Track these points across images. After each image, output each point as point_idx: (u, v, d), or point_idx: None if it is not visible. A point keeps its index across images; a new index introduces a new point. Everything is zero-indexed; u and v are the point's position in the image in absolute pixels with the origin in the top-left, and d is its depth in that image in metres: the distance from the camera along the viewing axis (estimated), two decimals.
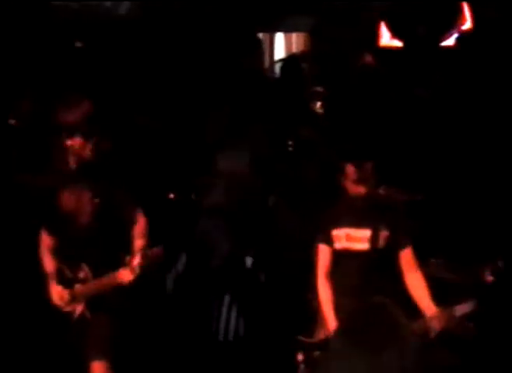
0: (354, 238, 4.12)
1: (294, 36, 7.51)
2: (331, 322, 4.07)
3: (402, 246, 4.10)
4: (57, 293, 4.23)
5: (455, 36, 6.26)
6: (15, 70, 5.53)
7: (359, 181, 4.10)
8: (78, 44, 6.05)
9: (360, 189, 4.11)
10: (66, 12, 6.19)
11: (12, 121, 4.89)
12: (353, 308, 2.27)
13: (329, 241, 4.15)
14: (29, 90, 5.13)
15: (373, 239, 4.08)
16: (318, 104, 5.84)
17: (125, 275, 4.09)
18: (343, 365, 2.13)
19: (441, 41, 6.31)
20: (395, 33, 6.50)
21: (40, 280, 4.30)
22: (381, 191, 4.45)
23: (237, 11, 6.31)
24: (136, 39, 6.00)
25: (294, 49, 7.48)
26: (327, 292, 4.14)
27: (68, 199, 4.19)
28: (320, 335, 4.12)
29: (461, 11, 6.42)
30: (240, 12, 6.31)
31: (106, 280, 4.15)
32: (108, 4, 6.47)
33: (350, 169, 4.13)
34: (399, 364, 2.11)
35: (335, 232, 4.14)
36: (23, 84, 5.32)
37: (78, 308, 4.21)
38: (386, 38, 6.56)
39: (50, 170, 4.46)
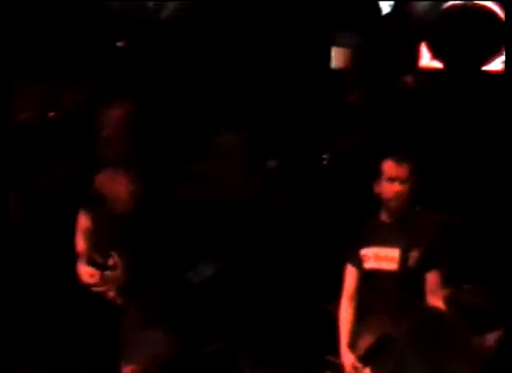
0: (382, 258, 4.05)
1: (334, 50, 7.48)
2: (344, 344, 4.01)
3: (429, 268, 4.01)
4: (87, 272, 4.19)
5: (501, 60, 6.21)
6: (60, 63, 5.56)
7: (395, 178, 3.98)
8: (120, 44, 6.06)
9: (395, 188, 3.99)
10: (111, 9, 6.19)
11: (52, 113, 4.93)
12: (417, 321, 2.22)
13: (357, 260, 4.09)
14: (72, 83, 5.15)
15: (402, 259, 4.00)
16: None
17: None
18: None
19: (484, 65, 6.26)
20: (436, 54, 6.46)
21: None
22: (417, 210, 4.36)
23: (283, 21, 6.29)
24: (179, 41, 6.00)
25: (333, 65, 7.45)
26: (348, 317, 4.08)
27: (105, 185, 4.18)
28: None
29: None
30: (286, 24, 6.29)
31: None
32: (151, 5, 6.47)
33: (388, 164, 4.01)
34: None
35: (364, 251, 4.08)
36: (67, 77, 5.34)
37: (110, 294, 4.17)
38: (426, 59, 6.52)
39: (89, 158, 4.45)
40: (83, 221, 4.27)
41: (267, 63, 6.01)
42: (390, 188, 4.00)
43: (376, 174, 4.07)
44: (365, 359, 3.93)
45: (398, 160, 4.00)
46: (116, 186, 4.17)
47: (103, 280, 4.16)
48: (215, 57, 6.01)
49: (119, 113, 4.26)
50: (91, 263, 4.21)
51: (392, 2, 6.65)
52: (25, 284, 4.44)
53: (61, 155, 4.85)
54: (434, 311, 2.25)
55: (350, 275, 4.10)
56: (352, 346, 4.02)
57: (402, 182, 4.00)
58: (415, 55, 6.43)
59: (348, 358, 3.97)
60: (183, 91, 5.76)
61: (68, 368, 4.27)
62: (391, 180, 3.99)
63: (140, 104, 4.44)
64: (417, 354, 2.11)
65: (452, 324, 2.16)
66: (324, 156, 5.37)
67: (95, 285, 4.17)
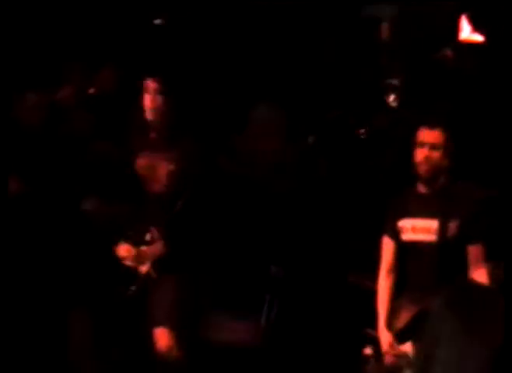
0: (420, 229, 4.00)
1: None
2: (381, 322, 3.97)
3: (472, 240, 3.95)
4: (124, 248, 4.24)
5: None
6: (96, 41, 5.60)
7: (425, 144, 3.94)
8: (158, 21, 6.08)
9: (424, 153, 3.94)
10: None
11: (92, 90, 4.96)
12: (452, 292, 2.21)
13: (395, 232, 4.05)
14: (110, 61, 5.18)
15: (441, 230, 3.92)
16: (392, 97, 5.76)
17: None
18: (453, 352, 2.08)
19: None
20: (477, 27, 6.36)
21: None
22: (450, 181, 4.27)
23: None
24: (219, 19, 6.00)
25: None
26: (386, 291, 4.03)
27: (143, 165, 4.22)
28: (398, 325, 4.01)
29: None
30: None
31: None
32: None
33: (420, 132, 3.99)
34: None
35: (401, 223, 4.03)
36: (104, 56, 5.38)
37: (144, 268, 4.23)
38: (467, 32, 6.43)
39: (128, 138, 4.48)
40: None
41: (303, 40, 6.00)
42: (419, 153, 3.97)
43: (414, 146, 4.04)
44: (402, 336, 3.91)
45: (430, 126, 3.97)
46: (155, 169, 4.21)
47: (139, 256, 4.23)
48: (253, 34, 6.00)
49: (157, 98, 4.26)
50: (128, 238, 4.26)
51: None
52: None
53: (100, 133, 4.91)
54: (470, 283, 2.21)
55: (387, 247, 4.07)
56: (392, 320, 3.99)
57: (432, 147, 3.96)
58: (456, 28, 6.34)
59: (385, 336, 3.94)
60: (220, 67, 5.77)
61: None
62: (421, 145, 3.96)
63: (177, 84, 4.46)
64: (450, 326, 2.09)
65: (489, 296, 2.13)
66: (362, 130, 5.34)
67: (129, 260, 4.22)
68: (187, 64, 5.55)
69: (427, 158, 3.99)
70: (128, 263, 4.22)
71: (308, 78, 5.82)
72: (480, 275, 3.78)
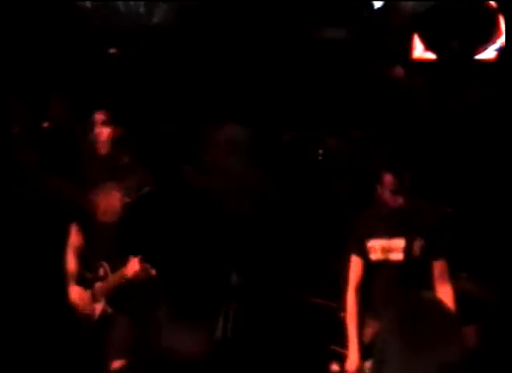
0: (389, 249, 4.06)
1: None
2: (352, 338, 4.01)
3: (436, 257, 4.03)
4: (77, 293, 4.26)
5: (494, 49, 6.19)
6: (47, 74, 5.58)
7: (397, 191, 4.03)
8: (112, 50, 6.08)
9: (399, 200, 4.04)
10: (98, 17, 6.22)
11: (46, 124, 4.94)
12: (400, 309, 2.21)
13: (363, 252, 4.10)
14: (61, 94, 5.17)
15: (408, 249, 4.01)
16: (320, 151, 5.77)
17: (132, 266, 4.11)
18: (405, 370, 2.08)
19: (475, 54, 6.24)
20: (429, 46, 6.45)
21: (61, 281, 4.32)
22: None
23: (270, 22, 6.30)
24: (170, 46, 6.02)
25: None
26: (354, 307, 4.08)
27: (98, 197, 4.23)
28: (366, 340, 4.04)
29: (496, 24, 6.36)
30: (273, 23, 6.31)
31: (119, 274, 4.18)
32: (142, 10, 6.49)
33: (389, 179, 4.06)
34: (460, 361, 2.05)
35: (370, 243, 4.09)
36: (56, 88, 5.37)
37: (98, 307, 4.23)
38: (419, 50, 6.52)
39: (80, 172, 4.49)
40: (74, 239, 4.32)
41: (257, 61, 6.04)
42: (393, 200, 4.06)
43: (375, 178, 4.11)
44: (367, 352, 3.94)
45: (396, 174, 4.04)
46: (108, 198, 4.22)
47: (93, 298, 4.25)
48: (212, 57, 6.03)
49: (106, 130, 4.30)
50: (82, 281, 4.28)
51: None
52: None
53: (53, 167, 4.88)
54: (422, 299, 2.22)
55: (355, 265, 4.12)
56: (360, 337, 4.04)
57: (400, 193, 4.05)
58: (408, 47, 6.42)
59: (353, 353, 3.98)
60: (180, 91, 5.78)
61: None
62: (394, 192, 4.04)
63: (127, 114, 4.48)
64: (397, 342, 2.10)
65: (442, 310, 2.14)
66: (320, 151, 5.38)
67: (84, 306, 4.24)
68: (138, 93, 5.58)
69: (397, 203, 4.08)
70: (81, 305, 4.23)
71: (266, 99, 5.86)
72: (445, 294, 3.92)
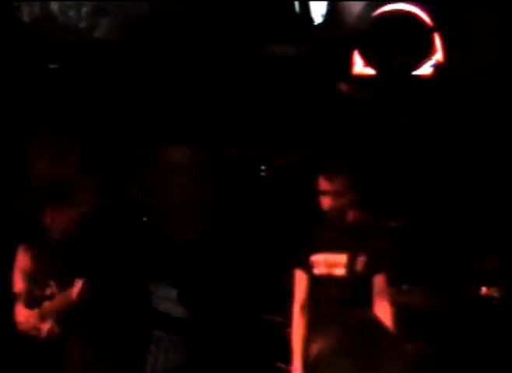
0: (332, 264, 4.10)
1: None
2: (296, 354, 4.03)
3: (376, 272, 4.09)
4: (24, 315, 4.19)
5: (430, 64, 6.33)
6: None
7: (328, 193, 4.07)
8: (53, 66, 5.99)
9: (327, 201, 4.08)
10: (40, 32, 6.13)
11: None
12: (343, 326, 2.25)
13: (307, 266, 4.13)
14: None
15: (350, 265, 4.06)
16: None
17: (76, 288, 4.07)
18: None
19: (414, 70, 6.36)
20: (368, 61, 6.55)
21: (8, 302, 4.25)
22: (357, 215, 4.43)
23: (219, 37, 6.31)
24: (113, 61, 5.97)
25: None
26: (299, 323, 4.11)
27: (47, 215, 4.18)
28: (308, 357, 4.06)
29: (432, 41, 6.50)
30: (222, 39, 6.32)
31: (65, 295, 4.11)
32: (83, 25, 6.42)
33: (321, 181, 4.11)
34: None
35: (314, 257, 4.12)
36: None
37: (45, 326, 4.17)
38: (359, 66, 6.61)
39: (30, 191, 4.42)
40: (22, 259, 4.25)
41: (202, 78, 6.04)
42: (324, 201, 4.11)
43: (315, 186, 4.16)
44: (312, 369, 3.96)
45: (328, 176, 4.11)
46: (57, 216, 4.17)
47: (41, 317, 4.16)
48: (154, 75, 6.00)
49: (59, 148, 4.25)
50: (29, 300, 4.19)
51: (324, 13, 6.71)
52: None
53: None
54: (365, 318, 2.26)
55: (301, 281, 4.16)
56: (303, 353, 4.04)
57: (335, 195, 4.09)
58: (349, 63, 6.51)
59: (297, 369, 4.00)
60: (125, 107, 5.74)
61: None
62: (323, 194, 4.10)
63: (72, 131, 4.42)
64: (340, 359, 2.13)
65: (381, 327, 2.19)
66: (263, 167, 5.41)
67: (31, 328, 4.16)
68: (81, 108, 5.51)
69: (331, 207, 4.11)
70: (26, 326, 4.15)
71: (210, 116, 5.86)
72: (382, 309, 3.98)
